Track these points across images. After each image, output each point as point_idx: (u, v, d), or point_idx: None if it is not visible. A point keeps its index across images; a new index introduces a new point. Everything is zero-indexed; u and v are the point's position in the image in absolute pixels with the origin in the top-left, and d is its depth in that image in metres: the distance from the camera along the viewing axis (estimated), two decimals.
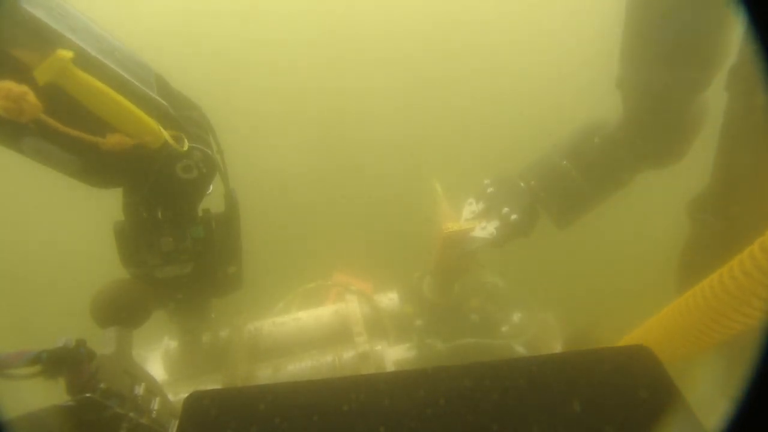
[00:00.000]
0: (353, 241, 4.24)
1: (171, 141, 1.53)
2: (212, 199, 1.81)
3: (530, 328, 2.56)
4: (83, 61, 1.34)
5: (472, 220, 2.45)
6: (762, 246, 1.11)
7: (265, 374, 2.26)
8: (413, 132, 5.84)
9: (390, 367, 2.32)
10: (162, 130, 1.52)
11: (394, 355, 2.41)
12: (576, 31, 5.38)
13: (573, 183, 2.31)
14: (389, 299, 2.68)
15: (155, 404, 1.46)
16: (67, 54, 1.29)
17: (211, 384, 2.18)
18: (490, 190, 2.49)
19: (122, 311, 1.69)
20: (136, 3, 6.18)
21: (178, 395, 1.87)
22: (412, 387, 0.99)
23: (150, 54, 1.67)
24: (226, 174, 1.80)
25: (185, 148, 1.59)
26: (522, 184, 2.43)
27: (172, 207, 1.73)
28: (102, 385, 1.26)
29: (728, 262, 1.24)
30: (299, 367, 2.29)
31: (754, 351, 0.69)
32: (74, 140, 1.38)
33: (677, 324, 1.45)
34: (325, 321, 2.53)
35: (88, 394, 1.22)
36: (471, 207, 2.52)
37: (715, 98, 1.95)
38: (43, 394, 1.20)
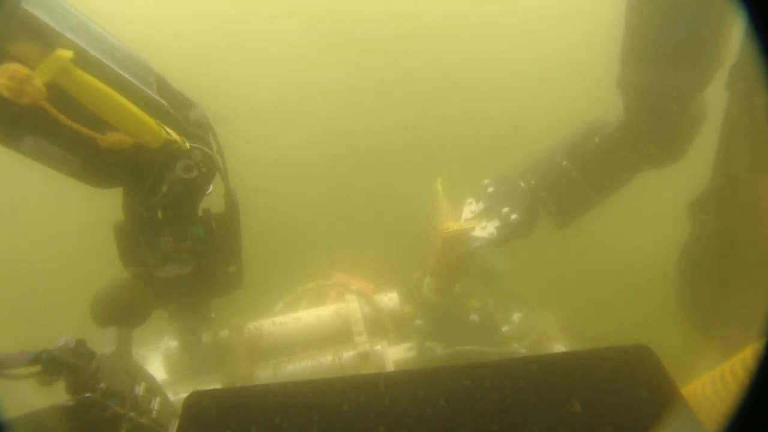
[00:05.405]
0: (353, 241, 4.24)
1: (174, 136, 1.53)
2: (212, 199, 1.81)
3: (531, 329, 2.56)
4: (83, 60, 1.33)
5: (472, 220, 2.45)
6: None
7: (265, 374, 2.26)
8: (414, 132, 5.83)
9: (390, 367, 2.32)
10: (166, 130, 1.52)
11: (394, 355, 2.41)
12: (576, 31, 5.38)
13: (573, 183, 2.31)
14: (389, 299, 2.68)
15: (155, 404, 1.46)
16: (66, 53, 1.28)
17: (211, 384, 2.18)
18: (490, 189, 2.48)
19: (122, 311, 1.69)
20: (137, 3, 6.18)
21: (178, 395, 1.87)
22: (412, 387, 0.99)
23: (150, 54, 1.67)
24: (226, 174, 1.79)
25: (187, 147, 1.59)
26: (522, 184, 2.43)
27: (172, 207, 1.73)
28: (102, 385, 1.26)
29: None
30: (299, 367, 2.29)
31: (755, 353, 0.69)
32: (74, 139, 1.38)
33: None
34: (325, 321, 2.53)
35: (88, 394, 1.22)
36: (471, 207, 2.52)
37: (715, 98, 1.95)
38: (43, 395, 1.20)
